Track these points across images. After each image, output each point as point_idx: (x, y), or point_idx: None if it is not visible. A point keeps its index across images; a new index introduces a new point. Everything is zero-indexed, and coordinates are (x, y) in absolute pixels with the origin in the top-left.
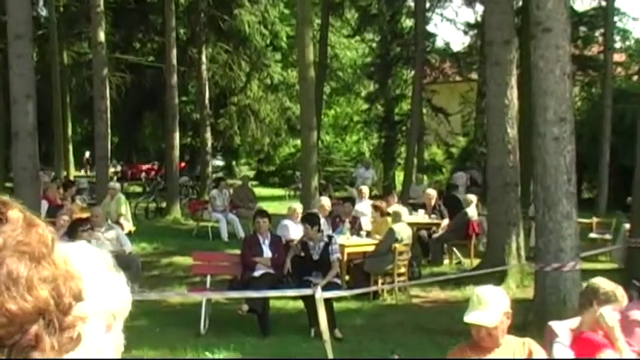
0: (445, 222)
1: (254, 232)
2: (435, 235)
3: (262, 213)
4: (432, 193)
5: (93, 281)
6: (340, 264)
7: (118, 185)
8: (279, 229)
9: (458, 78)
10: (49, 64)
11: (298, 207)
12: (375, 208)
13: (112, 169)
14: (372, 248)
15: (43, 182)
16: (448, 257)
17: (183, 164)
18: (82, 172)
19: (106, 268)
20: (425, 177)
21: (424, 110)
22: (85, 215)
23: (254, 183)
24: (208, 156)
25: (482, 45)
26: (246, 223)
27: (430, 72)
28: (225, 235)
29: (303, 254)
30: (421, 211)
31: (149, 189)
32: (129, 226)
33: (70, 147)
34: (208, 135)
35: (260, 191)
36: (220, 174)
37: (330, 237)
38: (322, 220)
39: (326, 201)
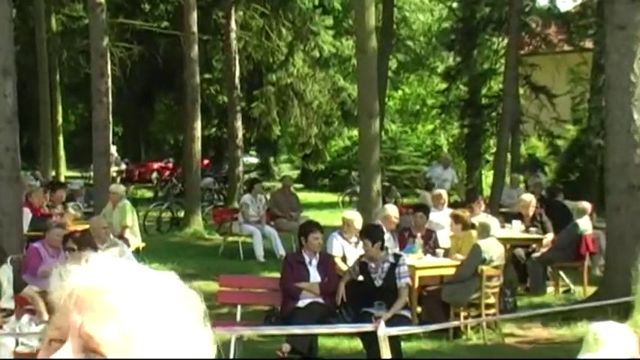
0: (549, 237)
1: (298, 249)
2: (536, 255)
3: (311, 226)
4: (530, 199)
5: (169, 337)
6: (410, 291)
7: (122, 189)
8: (328, 246)
9: (566, 47)
10: (32, 30)
11: (355, 217)
12: (456, 218)
13: (114, 168)
14: (451, 271)
15: (26, 185)
16: (553, 284)
17: (206, 162)
18: (78, 173)
19: (190, 317)
20: (522, 178)
21: (521, 90)
22: (80, 227)
23: (298, 186)
24: (239, 151)
25: (599, 3)
26: (287, 237)
27: (529, 40)
28: (260, 254)
29: (361, 279)
30: (516, 223)
31: (162, 194)
32: (136, 241)
33: (61, 139)
34: (239, 124)
35: (306, 197)
36: (254, 174)
37: (397, 256)
38: (387, 235)
39: (392, 210)
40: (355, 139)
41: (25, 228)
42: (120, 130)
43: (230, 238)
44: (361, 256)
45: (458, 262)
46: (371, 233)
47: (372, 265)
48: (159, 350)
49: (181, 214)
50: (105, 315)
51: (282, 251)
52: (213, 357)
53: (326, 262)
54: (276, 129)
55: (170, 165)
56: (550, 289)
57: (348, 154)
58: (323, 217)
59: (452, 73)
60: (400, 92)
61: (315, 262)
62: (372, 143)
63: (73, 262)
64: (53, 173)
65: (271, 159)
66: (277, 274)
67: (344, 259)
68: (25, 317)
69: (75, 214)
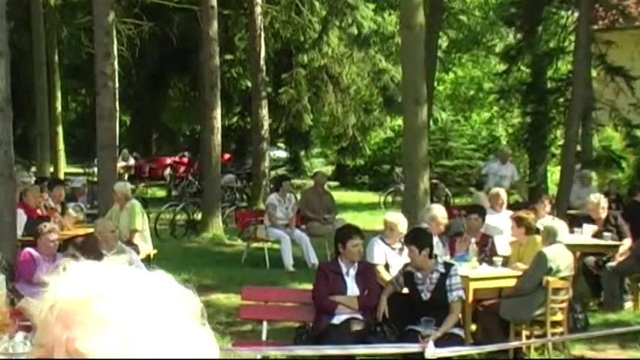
0: (626, 244)
1: (334, 257)
2: (611, 265)
3: (350, 231)
4: (598, 200)
5: (164, 337)
6: (463, 306)
7: (129, 187)
8: (368, 254)
9: None
10: (27, 4)
11: (399, 220)
12: (518, 221)
13: (121, 164)
14: (511, 283)
15: (19, 182)
16: (632, 298)
17: (227, 156)
18: (79, 169)
19: (189, 316)
20: (594, 175)
21: (593, 72)
22: (82, 231)
23: (333, 184)
24: (265, 144)
25: None
26: (320, 243)
27: (604, 13)
28: (289, 262)
29: (406, 291)
30: (588, 227)
31: (177, 193)
32: (147, 247)
33: (60, 130)
34: (264, 112)
35: (342, 196)
36: (282, 170)
37: (447, 266)
38: (435, 240)
39: (439, 210)
40: (399, 130)
41: (19, 232)
42: (128, 120)
43: (254, 244)
44: (406, 265)
45: (519, 273)
46: (417, 238)
47: (419, 275)
48: (163, 353)
49: (198, 216)
50: (98, 326)
51: (314, 259)
52: (217, 357)
53: (366, 272)
54: (308, 118)
55: (185, 160)
56: (628, 305)
57: (390, 147)
58: (362, 220)
59: (512, 52)
60: (452, 75)
61: (353, 272)
62: (419, 134)
63: None
64: (51, 169)
65: (302, 153)
66: (309, 286)
67: (386, 268)
68: (20, 335)
69: (76, 216)
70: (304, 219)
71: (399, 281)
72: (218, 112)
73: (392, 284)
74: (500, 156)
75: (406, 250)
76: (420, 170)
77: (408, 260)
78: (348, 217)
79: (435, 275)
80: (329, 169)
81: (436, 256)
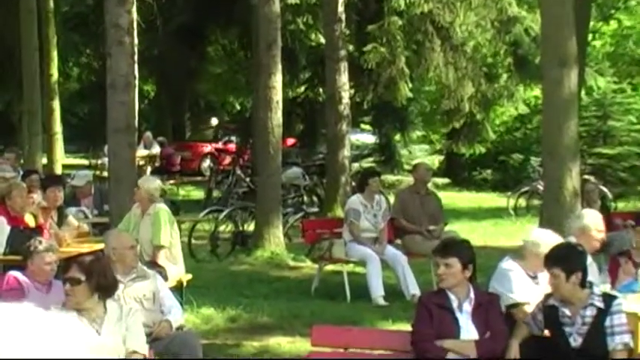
0: None
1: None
2: None
3: (459, 247)
4: None
5: None
6: (630, 357)
7: (156, 185)
8: (498, 282)
9: None
10: None
11: (540, 235)
12: None
13: (141, 152)
14: None
15: None
16: None
17: (291, 141)
18: (83, 160)
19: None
20: None
21: None
22: (86, 247)
23: (440, 181)
24: (344, 124)
25: None
26: (423, 265)
27: None
28: (378, 292)
29: (547, 333)
30: None
31: (219, 193)
32: (178, 271)
33: (57, 105)
34: (344, 80)
35: (453, 199)
36: (369, 162)
37: (608, 298)
38: (589, 261)
39: (596, 220)
40: (536, 104)
41: (1, 249)
42: (151, 91)
43: (329, 267)
44: (547, 297)
45: None
46: (564, 259)
47: (567, 311)
48: None
49: (250, 227)
50: None
51: (414, 289)
52: None
53: (488, 306)
54: (405, 87)
55: (232, 146)
56: None
57: (523, 129)
58: (482, 232)
59: None
60: (613, 25)
61: (468, 305)
62: (565, 110)
63: (77, 302)
64: (44, 160)
65: (396, 137)
66: (406, 326)
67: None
68: None
69: (79, 226)
70: (400, 231)
71: (537, 320)
72: (278, 80)
73: (527, 324)
74: None
75: (545, 275)
76: (567, 161)
77: (549, 289)
78: (463, 229)
79: (590, 312)
80: (435, 161)
81: (591, 284)
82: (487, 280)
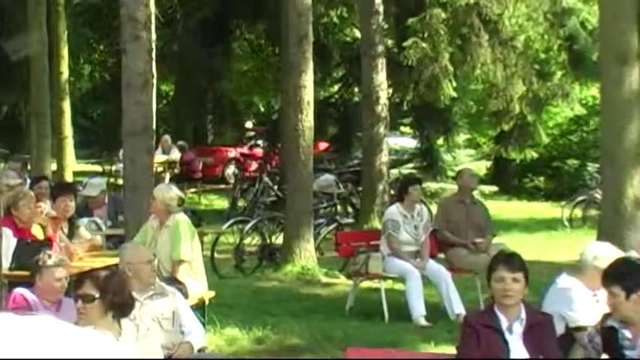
0: None
1: (489, 305)
2: None
3: (523, 261)
4: None
5: None
6: None
7: (172, 194)
8: (554, 300)
9: None
10: None
11: (598, 248)
12: None
13: (160, 157)
14: None
15: (3, 186)
16: None
17: (323, 145)
18: (97, 166)
19: None
20: None
21: None
22: (99, 262)
23: (488, 189)
24: (381, 127)
25: None
26: (468, 282)
27: None
28: (419, 311)
29: (606, 357)
30: None
31: (245, 203)
32: (200, 287)
33: (67, 107)
34: (381, 78)
35: (502, 208)
36: (409, 168)
37: None
38: None
39: None
40: (594, 105)
41: (5, 263)
42: (170, 90)
43: (365, 283)
44: (605, 317)
45: None
46: (625, 276)
47: (626, 333)
48: None
49: (279, 239)
50: None
51: (459, 308)
52: None
53: (541, 328)
54: (449, 86)
55: (258, 151)
56: None
57: (579, 132)
58: (534, 245)
59: None
60: None
61: (519, 326)
62: (626, 111)
63: (89, 321)
64: (53, 166)
65: (439, 141)
66: (451, 349)
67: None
68: None
69: (93, 239)
70: (443, 244)
71: (595, 342)
72: (309, 78)
73: (582, 347)
74: None
75: (603, 293)
76: (627, 168)
77: (607, 309)
78: (513, 242)
79: None
80: (482, 167)
81: None
82: (541, 299)
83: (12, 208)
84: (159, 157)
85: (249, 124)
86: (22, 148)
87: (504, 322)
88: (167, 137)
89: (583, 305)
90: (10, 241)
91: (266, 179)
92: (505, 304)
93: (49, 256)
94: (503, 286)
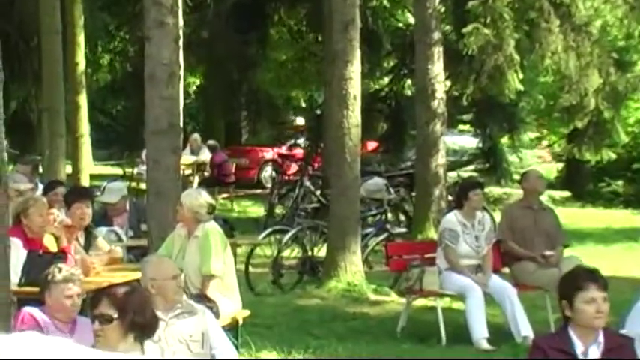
0: None
1: (562, 326)
2: None
3: (599, 278)
4: None
5: None
6: None
7: (201, 201)
8: (632, 322)
9: None
10: None
11: None
12: None
13: (187, 159)
14: None
15: (13, 192)
16: None
17: (372, 145)
18: (117, 168)
19: None
20: None
21: None
22: (119, 277)
23: (558, 195)
24: (437, 124)
25: None
26: (537, 300)
27: None
28: (481, 332)
29: None
30: None
31: (283, 210)
32: (233, 306)
33: (83, 100)
34: (438, 69)
35: (575, 216)
36: (469, 170)
37: None
38: None
39: None
40: None
41: (14, 277)
42: (198, 82)
43: (419, 302)
44: None
45: None
46: None
47: None
48: None
49: (322, 251)
50: None
51: (527, 330)
52: None
53: (620, 352)
54: (515, 78)
55: (298, 152)
56: None
57: None
58: (612, 258)
59: None
60: None
61: (596, 350)
62: None
63: (108, 344)
64: (68, 169)
65: (503, 139)
66: None
67: None
68: None
69: (112, 251)
70: (508, 257)
71: None
72: (356, 69)
73: None
74: None
75: None
76: None
77: None
78: (587, 254)
79: None
80: (552, 170)
81: None
82: (620, 319)
83: (22, 215)
84: (186, 158)
85: (300, 120)
86: (32, 148)
87: (579, 347)
88: (196, 136)
89: None
90: (20, 252)
91: (307, 183)
92: (597, 326)
93: (59, 270)
94: (597, 308)
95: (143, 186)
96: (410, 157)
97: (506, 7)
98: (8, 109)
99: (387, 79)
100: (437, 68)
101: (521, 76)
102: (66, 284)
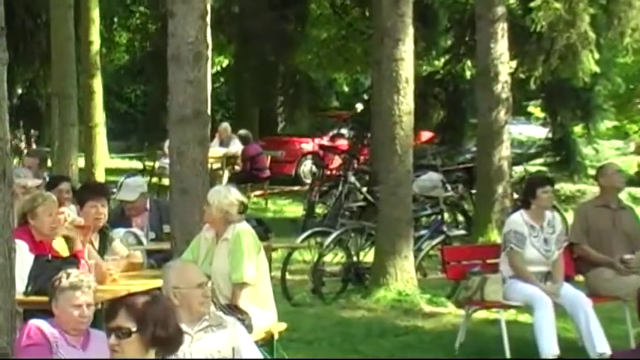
0: None
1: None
2: None
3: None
4: None
5: None
6: None
7: (231, 199)
8: None
9: None
10: None
11: None
12: None
13: (216, 151)
14: None
15: (19, 190)
16: None
17: (427, 135)
18: (136, 162)
19: None
20: None
21: None
22: (139, 286)
23: None
24: (501, 111)
25: None
26: (615, 313)
27: None
28: (550, 348)
29: None
30: None
31: (325, 209)
32: (267, 318)
33: (98, 85)
34: (501, 48)
35: None
36: (537, 164)
37: None
38: None
39: None
40: None
41: (20, 285)
42: (228, 64)
43: (480, 314)
44: None
45: None
46: None
47: None
48: None
49: (369, 256)
50: None
51: (603, 346)
52: None
53: None
54: (590, 60)
55: (342, 143)
56: None
57: None
58: None
59: None
60: None
61: None
62: None
63: None
64: (81, 162)
65: (577, 129)
66: None
67: None
68: None
69: (130, 255)
70: (582, 263)
71: None
72: (409, 49)
73: None
74: None
75: None
76: None
77: None
78: None
79: None
80: (632, 163)
81: None
82: None
83: (28, 215)
84: (215, 150)
85: (359, 106)
86: (40, 139)
87: None
88: (226, 125)
89: None
90: (26, 257)
91: (352, 179)
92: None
93: (68, 275)
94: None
95: (166, 182)
96: (469, 149)
97: None
98: (13, 94)
99: (443, 60)
100: (501, 47)
101: (597, 56)
102: (73, 292)
